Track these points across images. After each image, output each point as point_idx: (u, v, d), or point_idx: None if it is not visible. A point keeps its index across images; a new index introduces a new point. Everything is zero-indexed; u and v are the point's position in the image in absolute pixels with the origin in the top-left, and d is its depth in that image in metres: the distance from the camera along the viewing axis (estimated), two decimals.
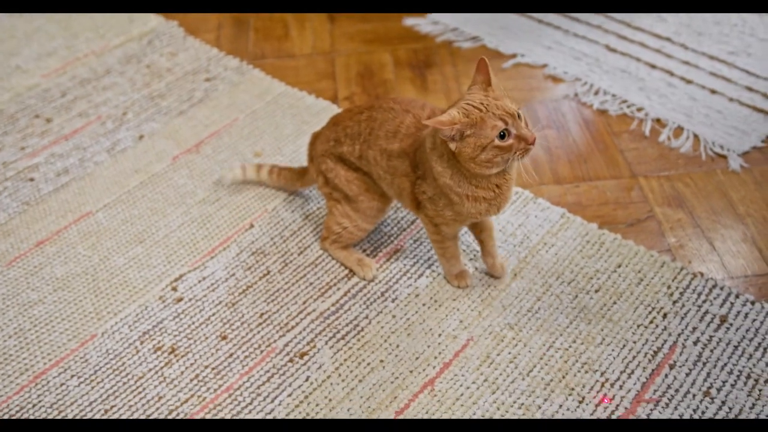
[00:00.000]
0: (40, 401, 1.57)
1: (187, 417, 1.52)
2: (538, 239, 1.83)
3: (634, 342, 1.61)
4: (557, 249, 1.80)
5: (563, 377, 1.56)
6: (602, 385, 1.54)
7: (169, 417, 1.53)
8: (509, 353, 1.60)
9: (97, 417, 1.53)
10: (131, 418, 1.52)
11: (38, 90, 2.38)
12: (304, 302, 1.73)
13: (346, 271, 1.78)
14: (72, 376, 1.61)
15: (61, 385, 1.60)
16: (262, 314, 1.71)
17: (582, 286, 1.72)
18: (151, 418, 1.52)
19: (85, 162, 2.13)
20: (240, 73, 2.41)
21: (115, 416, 1.54)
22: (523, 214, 1.89)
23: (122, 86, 2.38)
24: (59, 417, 1.54)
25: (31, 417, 1.55)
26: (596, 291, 1.71)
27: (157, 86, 2.38)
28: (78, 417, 1.54)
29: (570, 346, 1.61)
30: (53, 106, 2.33)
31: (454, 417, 1.49)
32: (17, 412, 1.56)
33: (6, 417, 1.55)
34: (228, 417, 1.52)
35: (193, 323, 1.70)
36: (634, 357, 1.58)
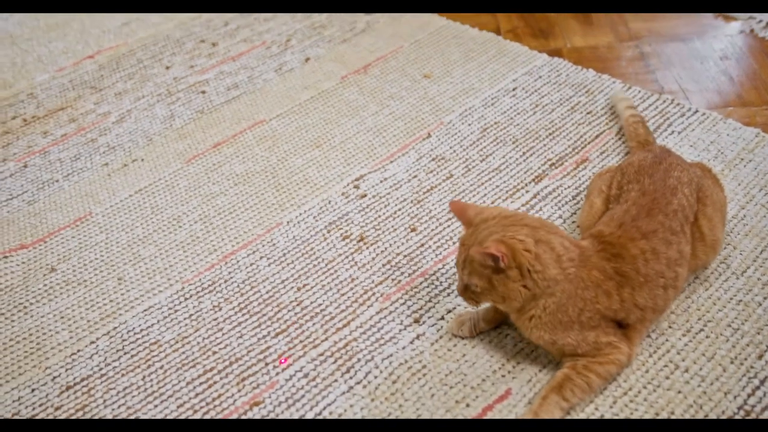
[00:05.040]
0: (231, 277, 1.55)
1: (381, 298, 1.46)
2: (733, 155, 1.74)
3: None
4: (756, 164, 1.71)
5: None
6: None
7: (364, 295, 1.48)
8: (719, 256, 1.50)
9: (291, 293, 1.49)
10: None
11: (201, 20, 2.41)
12: (493, 202, 1.67)
13: (534, 175, 1.72)
14: (261, 257, 1.59)
15: (251, 264, 1.57)
16: (450, 211, 1.65)
17: None
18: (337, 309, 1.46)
19: (254, 79, 2.13)
20: None
21: (308, 293, 1.50)
22: (714, 133, 1.80)
23: (283, 17, 2.39)
24: (252, 291, 1.50)
25: (224, 290, 1.52)
26: None
27: (318, 18, 2.38)
28: (271, 293, 1.50)
29: None
30: (217, 33, 2.35)
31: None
32: (209, 285, 1.54)
33: (199, 289, 1.52)
34: (425, 300, 1.46)
35: (380, 216, 1.66)
36: None
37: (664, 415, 1.24)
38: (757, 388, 1.28)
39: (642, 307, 1.28)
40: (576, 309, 1.23)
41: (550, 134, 1.85)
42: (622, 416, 1.25)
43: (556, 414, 1.23)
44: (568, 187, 1.70)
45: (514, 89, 2.01)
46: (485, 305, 1.36)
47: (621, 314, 1.27)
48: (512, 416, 1.26)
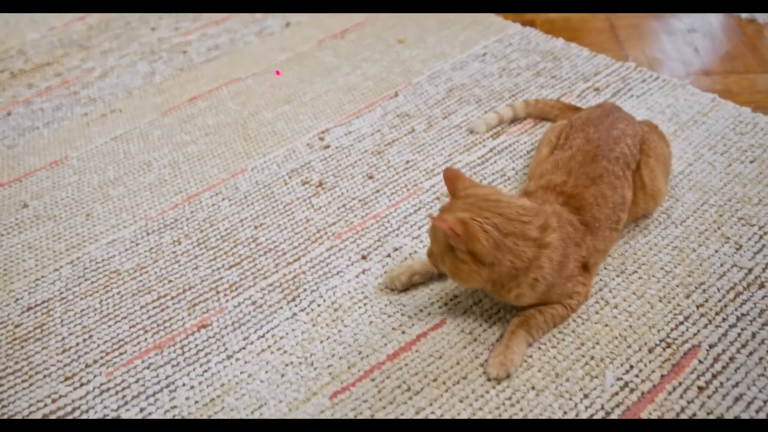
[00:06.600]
0: (193, 216, 1.62)
1: (333, 236, 1.53)
2: (687, 117, 1.79)
3: None
4: (708, 126, 1.76)
5: (718, 228, 1.51)
6: (761, 237, 1.48)
7: (316, 234, 1.54)
8: (662, 206, 1.56)
9: (248, 231, 1.56)
10: (274, 241, 1.54)
11: None
12: (450, 154, 1.73)
13: (493, 132, 1.79)
14: (223, 199, 1.66)
15: (213, 205, 1.64)
16: (408, 161, 1.72)
17: (736, 157, 1.67)
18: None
19: (235, 41, 2.21)
20: None
21: (264, 231, 1.56)
22: (672, 97, 1.86)
23: None
24: (211, 229, 1.58)
25: (185, 227, 1.59)
26: (751, 162, 1.66)
27: None
28: (229, 230, 1.57)
29: (725, 204, 1.56)
30: None
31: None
32: (172, 222, 1.61)
33: (161, 225, 1.60)
34: (374, 239, 1.53)
35: (340, 165, 1.72)
36: None
37: (589, 345, 1.30)
38: (681, 323, 1.33)
39: (598, 250, 1.35)
40: (565, 268, 1.29)
41: (513, 95, 1.91)
42: (549, 345, 1.31)
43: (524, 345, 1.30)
44: (525, 143, 1.75)
45: (483, 55, 2.07)
46: (423, 260, 1.42)
47: (587, 259, 1.34)
48: (445, 343, 1.32)
